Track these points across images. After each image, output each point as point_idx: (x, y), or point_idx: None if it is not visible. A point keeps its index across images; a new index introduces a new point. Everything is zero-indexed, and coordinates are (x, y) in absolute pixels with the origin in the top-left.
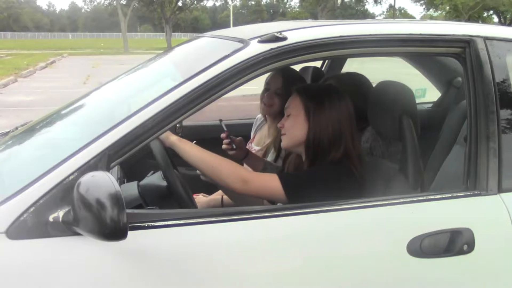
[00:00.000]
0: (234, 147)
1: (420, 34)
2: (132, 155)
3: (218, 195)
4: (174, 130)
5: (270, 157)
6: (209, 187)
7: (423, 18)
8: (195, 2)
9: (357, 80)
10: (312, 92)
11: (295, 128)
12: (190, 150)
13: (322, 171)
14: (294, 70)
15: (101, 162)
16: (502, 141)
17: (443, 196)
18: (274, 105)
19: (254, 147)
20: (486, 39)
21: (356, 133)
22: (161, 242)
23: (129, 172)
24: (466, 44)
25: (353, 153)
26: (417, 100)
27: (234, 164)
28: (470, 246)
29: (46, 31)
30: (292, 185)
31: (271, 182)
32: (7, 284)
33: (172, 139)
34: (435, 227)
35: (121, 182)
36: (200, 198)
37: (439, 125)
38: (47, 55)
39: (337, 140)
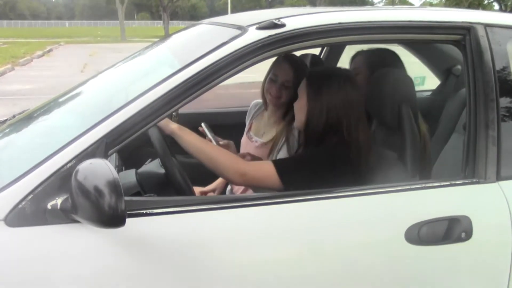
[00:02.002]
0: None
1: (420, 21)
2: (130, 143)
3: (213, 186)
4: (170, 118)
5: (282, 152)
6: (207, 175)
7: (423, 5)
8: None
9: (387, 59)
10: (314, 77)
11: (299, 111)
12: (189, 139)
13: (315, 154)
14: (304, 62)
15: (98, 149)
16: (501, 129)
17: (442, 184)
18: (282, 96)
19: (254, 137)
20: (486, 26)
21: (359, 120)
22: (159, 229)
23: (127, 160)
24: (466, 31)
25: (350, 140)
26: (416, 88)
27: (232, 156)
28: (468, 234)
29: (42, 19)
30: (286, 170)
31: (267, 171)
32: (6, 271)
33: (172, 127)
34: (433, 214)
35: (119, 170)
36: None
37: (438, 113)
38: (44, 43)
39: (334, 126)
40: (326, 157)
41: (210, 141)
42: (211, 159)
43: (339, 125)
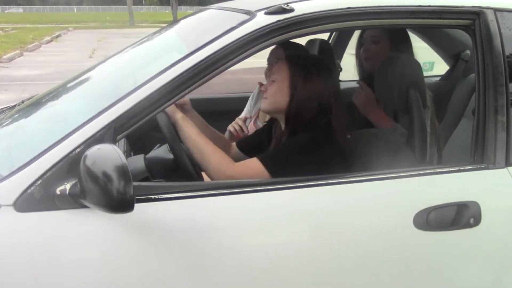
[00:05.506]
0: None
1: (429, 6)
2: (138, 128)
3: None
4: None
5: None
6: None
7: None
8: None
9: (407, 37)
10: (301, 62)
11: (278, 95)
12: (189, 132)
13: (301, 142)
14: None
15: (107, 135)
16: (511, 115)
17: (450, 169)
18: None
19: (260, 125)
20: (496, 10)
21: (341, 108)
22: (167, 215)
23: (136, 145)
24: (475, 16)
25: (337, 127)
26: (425, 74)
27: (223, 158)
28: (477, 220)
29: (51, 5)
30: (274, 164)
31: (255, 169)
32: (15, 256)
33: (177, 116)
34: (441, 200)
35: (127, 155)
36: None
37: (447, 99)
38: (53, 28)
39: (322, 113)
40: (314, 146)
41: None
42: (203, 158)
43: (325, 112)
